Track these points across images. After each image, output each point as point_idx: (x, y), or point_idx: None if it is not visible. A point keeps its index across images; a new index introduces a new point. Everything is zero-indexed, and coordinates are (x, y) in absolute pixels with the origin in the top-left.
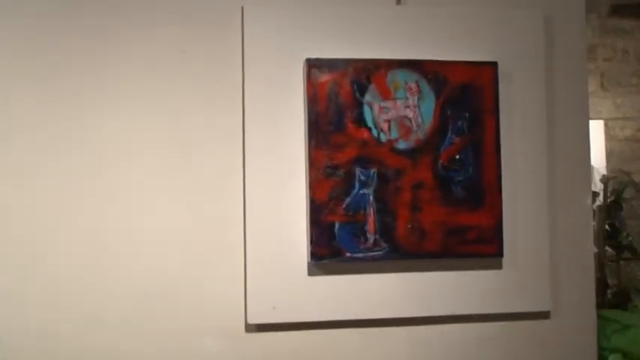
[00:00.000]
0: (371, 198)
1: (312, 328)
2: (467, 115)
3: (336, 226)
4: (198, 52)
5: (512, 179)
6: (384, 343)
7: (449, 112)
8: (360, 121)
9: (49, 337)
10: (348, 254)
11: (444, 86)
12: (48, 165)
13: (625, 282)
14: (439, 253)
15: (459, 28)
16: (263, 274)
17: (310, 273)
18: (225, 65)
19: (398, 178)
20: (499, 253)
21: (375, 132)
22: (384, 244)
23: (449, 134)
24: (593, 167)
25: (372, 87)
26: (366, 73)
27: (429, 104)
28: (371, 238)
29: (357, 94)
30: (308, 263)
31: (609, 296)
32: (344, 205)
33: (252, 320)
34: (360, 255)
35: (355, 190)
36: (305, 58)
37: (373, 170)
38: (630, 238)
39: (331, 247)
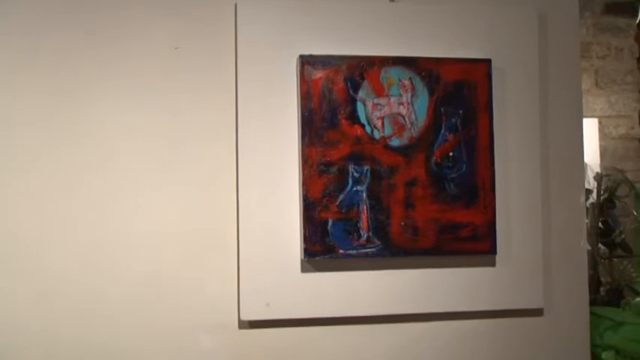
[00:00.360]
0: (364, 195)
1: (306, 324)
2: (460, 112)
3: (330, 223)
4: (192, 48)
5: (506, 176)
6: (377, 339)
7: (442, 110)
8: (354, 118)
9: (45, 335)
10: (341, 251)
11: (438, 83)
12: (42, 161)
13: (618, 279)
14: (432, 251)
15: (453, 25)
16: (256, 271)
17: (303, 270)
18: (218, 61)
19: (391, 176)
20: (492, 251)
21: (368, 129)
22: (377, 241)
23: (442, 131)
24: (586, 165)
25: (366, 84)
26: (360, 70)
27: (423, 101)
28: (364, 235)
29: (351, 91)
30: (301, 260)
31: (602, 294)
32: (337, 202)
33: (245, 317)
34: (353, 252)
35: (348, 187)
36: (298, 54)
37: (366, 167)
38: (623, 236)
39: (324, 244)
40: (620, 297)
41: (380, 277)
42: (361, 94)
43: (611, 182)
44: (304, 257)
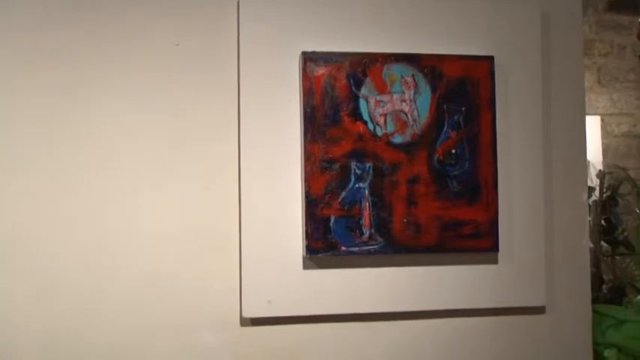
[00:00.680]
0: (366, 192)
1: (308, 322)
2: (463, 109)
3: (332, 220)
4: (194, 45)
5: (508, 174)
6: (379, 337)
7: (445, 107)
8: (356, 115)
9: (46, 335)
10: (343, 248)
11: (440, 80)
12: (42, 160)
13: (620, 277)
14: (434, 248)
15: (456, 22)
16: (258, 268)
17: (305, 267)
18: (220, 58)
19: (394, 173)
20: (494, 248)
21: (370, 126)
22: (379, 239)
23: (445, 128)
24: (589, 162)
25: (368, 81)
26: (362, 67)
27: (425, 98)
28: (366, 232)
29: (353, 88)
30: (303, 257)
31: (604, 291)
32: (339, 199)
33: (247, 314)
34: (355, 249)
35: (351, 184)
36: (301, 51)
37: (369, 164)
38: (626, 234)
39: (326, 241)
40: (622, 295)
41: (382, 275)
42: (364, 90)
43: (614, 180)
44: (306, 254)
